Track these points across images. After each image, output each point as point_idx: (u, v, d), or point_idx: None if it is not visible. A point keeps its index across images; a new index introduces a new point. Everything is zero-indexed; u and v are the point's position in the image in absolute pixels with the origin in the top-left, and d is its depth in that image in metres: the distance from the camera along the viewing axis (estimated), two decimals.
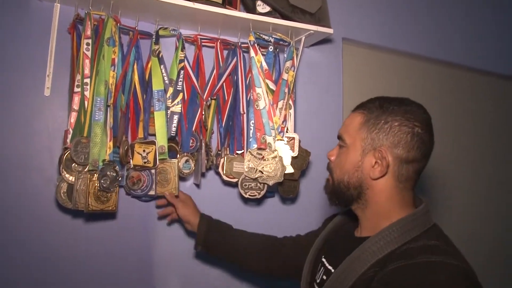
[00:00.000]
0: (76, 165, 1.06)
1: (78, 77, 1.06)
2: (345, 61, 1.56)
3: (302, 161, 1.30)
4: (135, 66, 1.17)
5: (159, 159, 1.14)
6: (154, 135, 1.20)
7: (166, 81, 1.17)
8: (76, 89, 1.06)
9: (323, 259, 0.87)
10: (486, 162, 1.99)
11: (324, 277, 0.82)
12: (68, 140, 1.04)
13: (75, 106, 1.06)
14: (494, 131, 2.02)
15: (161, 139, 1.14)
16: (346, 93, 1.54)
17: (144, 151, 1.16)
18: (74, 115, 1.06)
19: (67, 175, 1.06)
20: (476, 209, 1.92)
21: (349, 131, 0.80)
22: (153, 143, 1.16)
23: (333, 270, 0.80)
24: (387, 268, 0.67)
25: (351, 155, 0.78)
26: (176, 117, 1.18)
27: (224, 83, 1.26)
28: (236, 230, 1.13)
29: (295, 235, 1.09)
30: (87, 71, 1.07)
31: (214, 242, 1.09)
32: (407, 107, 0.76)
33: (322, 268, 0.85)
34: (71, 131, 1.05)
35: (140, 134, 1.18)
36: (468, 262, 0.69)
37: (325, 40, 1.44)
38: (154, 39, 1.19)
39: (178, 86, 1.19)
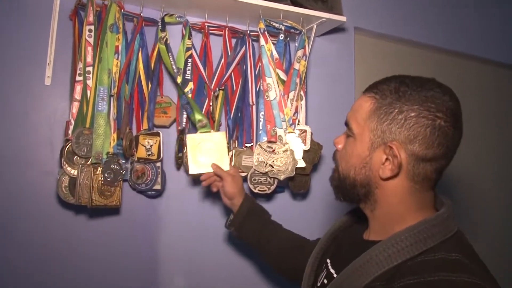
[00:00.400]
0: (78, 158, 1.02)
1: (80, 65, 1.03)
2: (357, 51, 1.51)
3: (314, 154, 1.25)
4: (140, 54, 1.13)
5: (201, 132, 1.06)
6: (160, 126, 1.17)
7: (175, 70, 1.13)
8: (78, 78, 1.03)
9: (328, 260, 0.78)
10: (493, 157, 1.93)
11: (325, 281, 0.74)
12: (70, 132, 1.01)
13: (77, 96, 1.02)
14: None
15: (198, 113, 1.08)
16: (358, 84, 1.49)
17: (148, 143, 1.12)
18: (76, 105, 1.02)
19: (68, 169, 1.02)
20: (481, 206, 1.86)
21: (357, 118, 0.68)
22: (158, 134, 1.13)
23: (335, 275, 0.72)
24: (394, 283, 0.57)
25: (358, 148, 0.67)
26: (187, 107, 1.13)
27: (232, 73, 1.21)
28: (274, 223, 1.05)
29: (317, 238, 0.99)
30: (89, 59, 1.04)
31: (249, 229, 1.01)
32: (428, 92, 0.63)
33: (325, 270, 0.77)
34: (73, 122, 1.02)
35: (145, 125, 1.14)
36: (496, 282, 0.59)
37: (337, 29, 1.39)
38: (160, 26, 1.14)
39: (186, 75, 1.16)
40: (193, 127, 1.12)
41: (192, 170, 1.04)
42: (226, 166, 1.05)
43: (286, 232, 1.04)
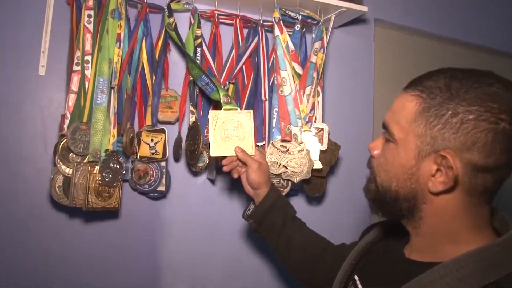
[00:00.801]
0: (74, 155, 0.96)
1: (78, 54, 0.97)
2: (377, 44, 1.43)
3: (331, 155, 1.16)
4: (144, 43, 1.06)
5: (225, 109, 0.96)
6: (164, 122, 1.10)
7: (191, 57, 1.05)
8: (75, 68, 0.97)
9: (356, 277, 0.71)
10: None
11: None
12: (65, 126, 0.94)
13: (74, 87, 0.96)
14: None
15: (222, 90, 0.98)
16: (377, 80, 1.41)
17: (152, 140, 1.05)
18: (72, 97, 0.96)
19: (63, 167, 0.95)
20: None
21: (399, 121, 0.59)
22: (163, 131, 1.06)
23: None
24: None
25: (401, 156, 0.59)
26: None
27: (243, 66, 1.14)
28: (299, 220, 0.96)
29: (340, 243, 0.93)
30: (88, 47, 0.98)
31: (271, 223, 0.92)
32: (488, 89, 0.53)
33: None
34: (68, 116, 0.95)
35: (148, 121, 1.07)
36: None
37: (357, 20, 1.30)
38: (167, 12, 1.06)
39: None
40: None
41: (214, 152, 0.93)
42: (251, 150, 0.93)
43: (310, 231, 0.96)
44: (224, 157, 0.94)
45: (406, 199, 0.59)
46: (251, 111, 0.96)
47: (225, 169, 0.94)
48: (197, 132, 1.04)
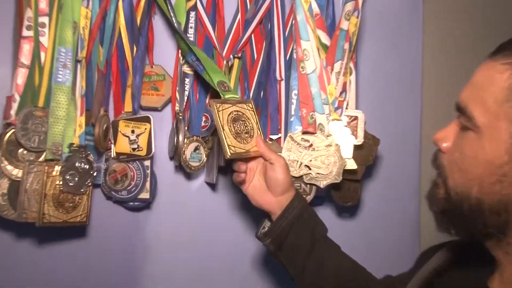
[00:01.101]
0: (25, 152, 0.84)
1: (29, 14, 0.83)
2: (427, 5, 1.23)
3: (367, 152, 1.01)
4: (120, 3, 0.91)
5: (225, 97, 0.84)
6: (149, 108, 0.97)
7: (175, 23, 0.93)
8: (25, 33, 0.83)
9: None
10: None
11: None
12: (13, 112, 0.82)
13: (25, 59, 0.83)
14: None
15: (216, 74, 0.87)
16: (428, 51, 1.23)
17: (133, 132, 0.94)
18: (22, 73, 0.83)
19: (9, 167, 0.84)
20: None
21: (484, 100, 0.50)
22: (147, 120, 0.94)
23: None
24: None
25: (487, 149, 0.50)
26: (188, 80, 0.95)
27: (252, 35, 1.00)
28: (331, 241, 0.82)
29: (384, 276, 0.79)
30: (43, 5, 0.85)
31: (295, 243, 0.77)
32: None
33: None
34: (18, 98, 0.83)
35: (128, 106, 0.94)
36: None
37: None
38: None
39: (189, 35, 0.96)
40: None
41: (230, 153, 0.77)
42: None
43: (346, 255, 0.82)
44: (236, 159, 0.78)
45: (494, 211, 0.50)
46: (251, 101, 0.85)
47: (245, 176, 0.80)
48: (178, 126, 0.93)
